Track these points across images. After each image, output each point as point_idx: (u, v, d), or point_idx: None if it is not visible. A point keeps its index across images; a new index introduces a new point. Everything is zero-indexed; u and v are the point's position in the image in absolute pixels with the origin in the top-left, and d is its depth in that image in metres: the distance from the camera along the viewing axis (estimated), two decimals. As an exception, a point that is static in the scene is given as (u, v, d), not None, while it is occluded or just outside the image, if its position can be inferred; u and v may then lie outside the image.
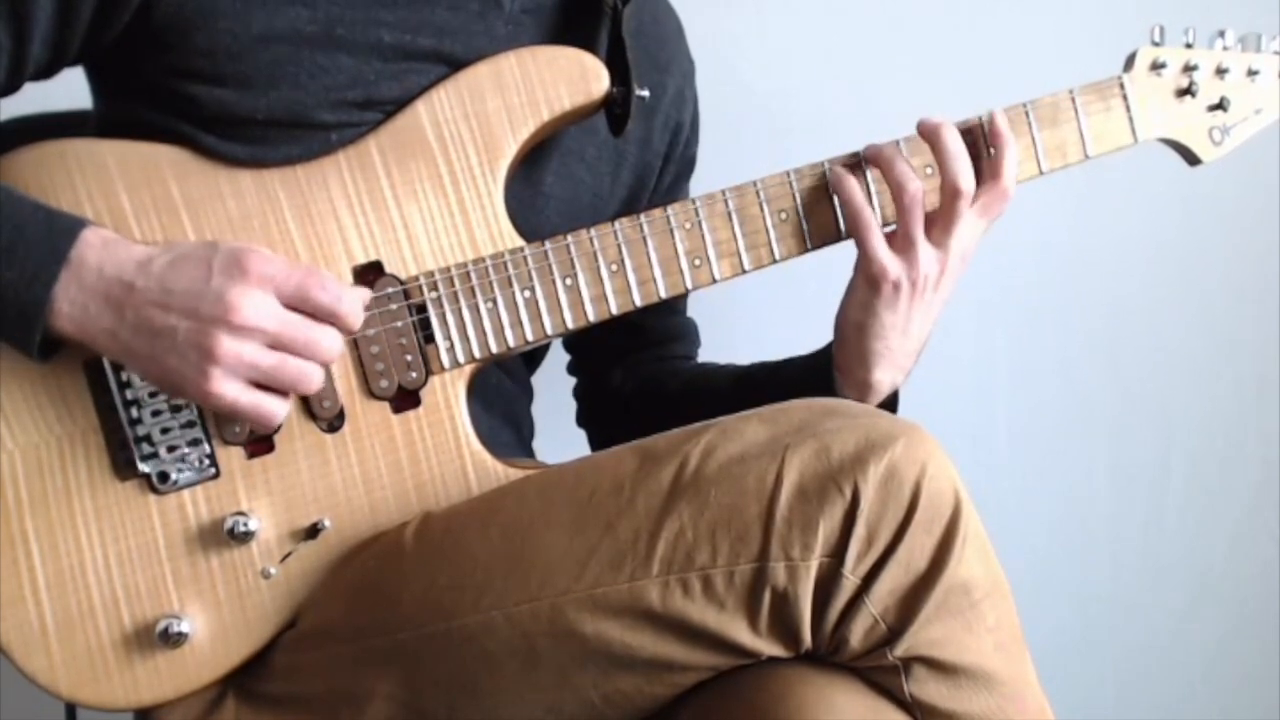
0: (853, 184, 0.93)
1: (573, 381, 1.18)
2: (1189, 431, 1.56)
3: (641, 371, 1.11)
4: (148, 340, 0.79)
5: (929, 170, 0.95)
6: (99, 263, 0.79)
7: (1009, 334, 1.53)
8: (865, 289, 0.93)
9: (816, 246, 0.96)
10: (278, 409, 0.82)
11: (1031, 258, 1.50)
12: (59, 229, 0.79)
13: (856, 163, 0.95)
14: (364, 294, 0.85)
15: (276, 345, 0.80)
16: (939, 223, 0.92)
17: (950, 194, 0.91)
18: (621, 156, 1.03)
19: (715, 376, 1.09)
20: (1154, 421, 1.56)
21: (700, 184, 0.95)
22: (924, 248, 0.91)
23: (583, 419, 1.17)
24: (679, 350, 1.13)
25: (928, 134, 0.93)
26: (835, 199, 0.94)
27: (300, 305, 0.81)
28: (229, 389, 0.79)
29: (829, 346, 0.99)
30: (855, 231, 0.93)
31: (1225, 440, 1.56)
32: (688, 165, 1.11)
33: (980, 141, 0.94)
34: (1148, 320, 1.53)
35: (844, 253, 0.97)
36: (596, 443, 1.16)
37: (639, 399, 1.11)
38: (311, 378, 0.81)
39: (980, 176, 0.92)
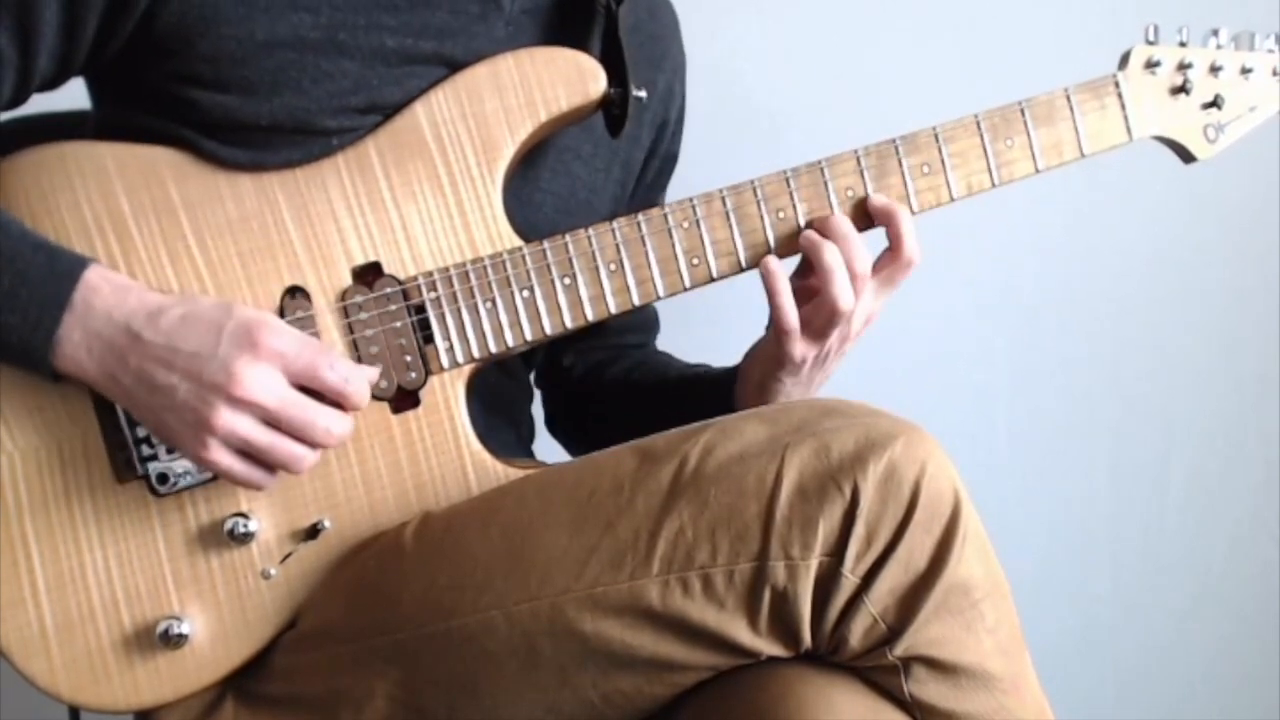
0: (781, 283, 0.92)
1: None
2: (1189, 432, 1.56)
3: (590, 357, 1.12)
4: (147, 393, 0.79)
5: (925, 169, 0.96)
6: (107, 308, 0.79)
7: (1009, 334, 1.53)
8: (773, 361, 0.95)
9: (815, 246, 0.96)
10: (266, 482, 0.82)
11: (1032, 259, 1.51)
12: (60, 271, 0.79)
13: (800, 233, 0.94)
14: (372, 373, 0.85)
15: (274, 423, 0.80)
16: (843, 321, 0.92)
17: (831, 314, 0.91)
18: (614, 153, 1.03)
19: (644, 374, 1.10)
20: (1154, 422, 1.56)
21: (698, 183, 0.95)
22: (835, 330, 0.92)
23: (536, 381, 1.16)
24: (632, 339, 1.14)
25: (808, 246, 0.92)
26: (833, 204, 0.95)
27: (308, 384, 0.81)
28: (221, 458, 0.79)
29: (734, 370, 1.01)
30: (777, 329, 0.93)
31: (1225, 440, 1.56)
32: (669, 161, 1.12)
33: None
34: (1148, 321, 1.53)
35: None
36: (545, 406, 1.16)
37: (583, 383, 1.11)
38: (303, 461, 0.81)
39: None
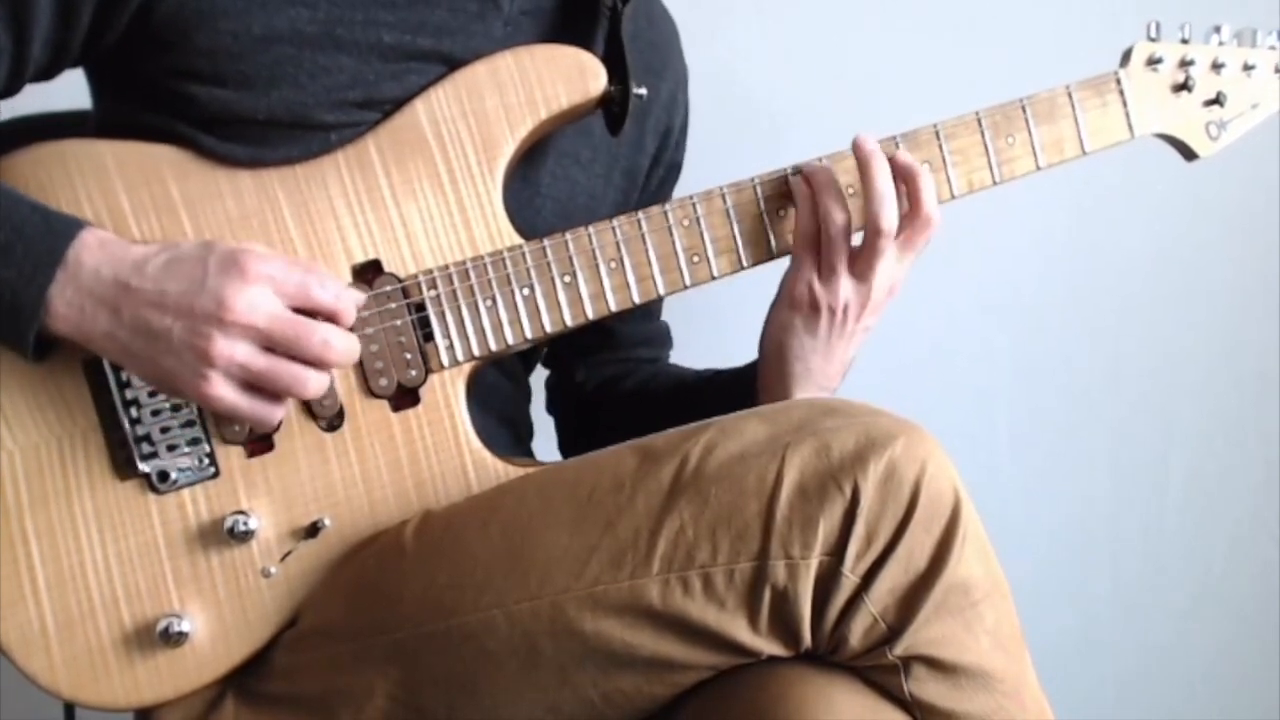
0: (808, 204, 0.92)
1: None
2: (1189, 432, 1.56)
3: (603, 371, 1.12)
4: (145, 342, 0.79)
5: (926, 166, 0.95)
6: (96, 264, 0.79)
7: (1009, 334, 1.53)
8: (787, 310, 0.94)
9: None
10: (274, 413, 0.82)
11: (1032, 258, 1.51)
12: (56, 230, 0.79)
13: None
14: (359, 297, 0.85)
15: (270, 345, 0.79)
16: (862, 257, 0.92)
17: (872, 232, 0.91)
18: (614, 159, 1.03)
19: (661, 382, 1.10)
20: (1154, 422, 1.56)
21: (699, 182, 0.95)
22: (844, 279, 0.92)
23: (549, 407, 1.17)
24: (645, 354, 1.14)
25: (861, 161, 0.92)
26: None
27: (300, 304, 0.81)
28: (225, 393, 0.79)
29: (755, 363, 1.00)
30: (795, 251, 0.93)
31: (1225, 440, 1.56)
32: (673, 170, 1.12)
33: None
34: (1149, 320, 1.53)
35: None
36: (559, 431, 1.16)
37: (595, 396, 1.11)
38: (306, 381, 0.81)
39: (903, 209, 0.92)
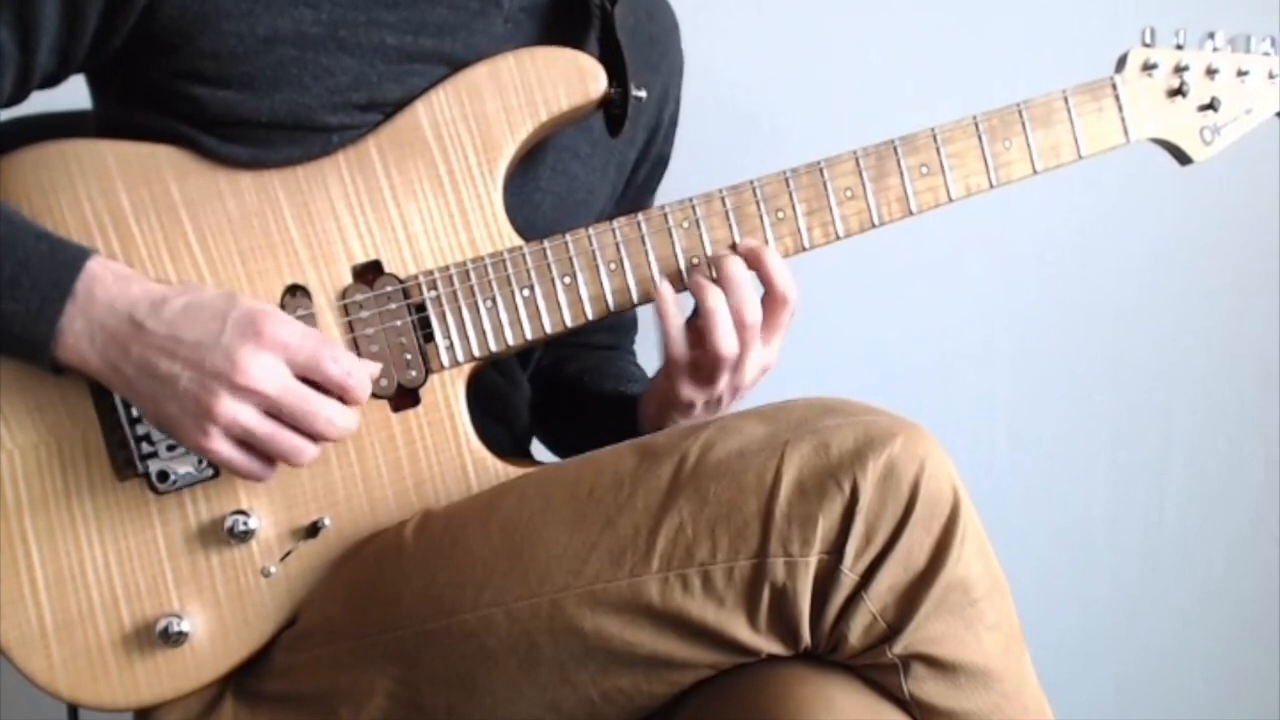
0: (670, 309, 0.91)
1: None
2: (1189, 432, 1.56)
3: (556, 351, 1.11)
4: (149, 382, 0.79)
5: (924, 170, 0.96)
6: (110, 298, 0.79)
7: (1009, 334, 1.53)
8: (665, 396, 0.94)
9: (814, 246, 0.96)
10: (266, 473, 0.82)
11: (1033, 259, 1.51)
12: (62, 260, 0.79)
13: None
14: (373, 368, 0.85)
15: (276, 413, 0.80)
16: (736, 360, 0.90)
17: (739, 324, 0.89)
18: (610, 153, 1.03)
19: (592, 379, 1.09)
20: (1154, 423, 1.56)
21: (697, 184, 0.96)
22: (724, 380, 0.91)
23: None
24: (604, 340, 1.13)
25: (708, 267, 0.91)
26: (832, 204, 0.95)
27: (310, 375, 0.81)
28: (222, 448, 0.79)
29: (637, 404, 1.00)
30: (665, 360, 0.92)
31: (1225, 440, 1.56)
32: (660, 164, 1.12)
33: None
34: (1149, 322, 1.53)
35: (842, 252, 0.97)
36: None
37: (542, 375, 1.11)
38: (304, 452, 0.81)
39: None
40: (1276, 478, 1.56)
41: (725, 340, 0.89)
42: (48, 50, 0.84)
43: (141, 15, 0.84)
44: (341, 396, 0.82)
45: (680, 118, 1.12)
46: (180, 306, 0.79)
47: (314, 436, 0.81)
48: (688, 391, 0.92)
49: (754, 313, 0.90)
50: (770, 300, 0.91)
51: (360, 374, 0.82)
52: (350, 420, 0.82)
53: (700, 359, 0.91)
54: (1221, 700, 1.61)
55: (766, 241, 0.94)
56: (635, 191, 1.09)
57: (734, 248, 0.92)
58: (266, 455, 0.81)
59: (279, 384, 0.79)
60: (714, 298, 0.89)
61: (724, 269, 0.90)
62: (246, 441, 0.80)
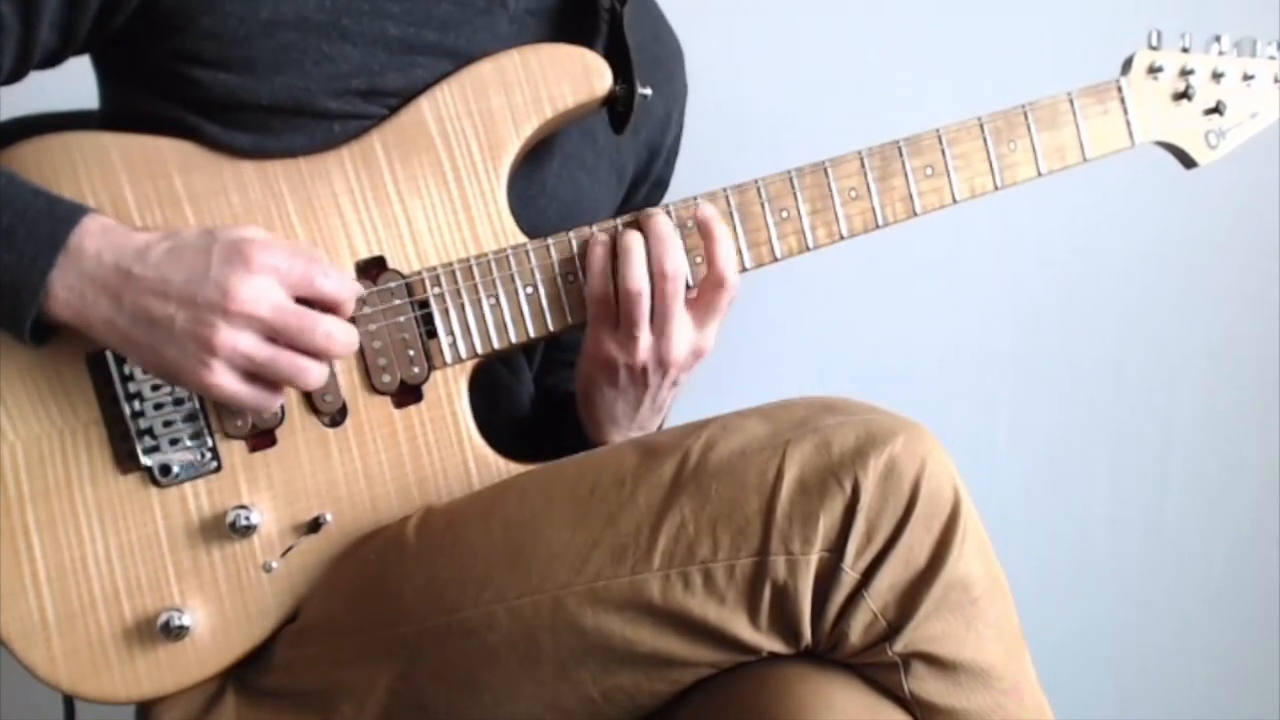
0: (597, 251, 0.90)
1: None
2: (1189, 433, 1.56)
3: (546, 358, 1.10)
4: (146, 329, 0.79)
5: (928, 171, 0.96)
6: (98, 249, 0.78)
7: (1010, 334, 1.53)
8: (587, 363, 0.93)
9: (818, 246, 0.96)
10: (273, 402, 0.82)
11: (1033, 260, 1.51)
12: (59, 214, 0.79)
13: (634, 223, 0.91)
14: (358, 288, 0.85)
15: (274, 335, 0.80)
16: (656, 317, 0.89)
17: (657, 274, 0.89)
18: (612, 163, 1.04)
19: (555, 386, 1.09)
20: (1154, 422, 1.56)
21: (701, 183, 0.96)
22: (642, 339, 0.89)
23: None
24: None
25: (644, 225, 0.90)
26: (836, 204, 0.95)
27: (303, 294, 0.81)
28: (227, 381, 0.79)
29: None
30: (591, 310, 0.91)
31: (1225, 440, 1.56)
32: (659, 185, 1.12)
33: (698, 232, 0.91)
34: (1149, 322, 1.53)
35: (844, 251, 0.97)
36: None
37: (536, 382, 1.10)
38: (308, 372, 0.81)
39: (701, 272, 0.90)
40: (1276, 478, 1.56)
41: (633, 275, 0.88)
42: (49, 25, 0.84)
43: None
44: (334, 310, 0.82)
45: (683, 117, 1.12)
46: (166, 249, 0.79)
47: (316, 354, 0.81)
48: (609, 347, 0.90)
49: (673, 264, 0.89)
50: (709, 281, 0.90)
51: (352, 287, 0.83)
52: (350, 334, 0.82)
53: (616, 300, 0.89)
54: (1221, 700, 1.61)
55: (770, 241, 0.94)
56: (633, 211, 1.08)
57: (693, 214, 0.91)
58: (272, 382, 0.81)
59: (273, 304, 0.79)
60: (630, 238, 0.89)
61: (650, 220, 0.90)
62: (251, 371, 0.80)
